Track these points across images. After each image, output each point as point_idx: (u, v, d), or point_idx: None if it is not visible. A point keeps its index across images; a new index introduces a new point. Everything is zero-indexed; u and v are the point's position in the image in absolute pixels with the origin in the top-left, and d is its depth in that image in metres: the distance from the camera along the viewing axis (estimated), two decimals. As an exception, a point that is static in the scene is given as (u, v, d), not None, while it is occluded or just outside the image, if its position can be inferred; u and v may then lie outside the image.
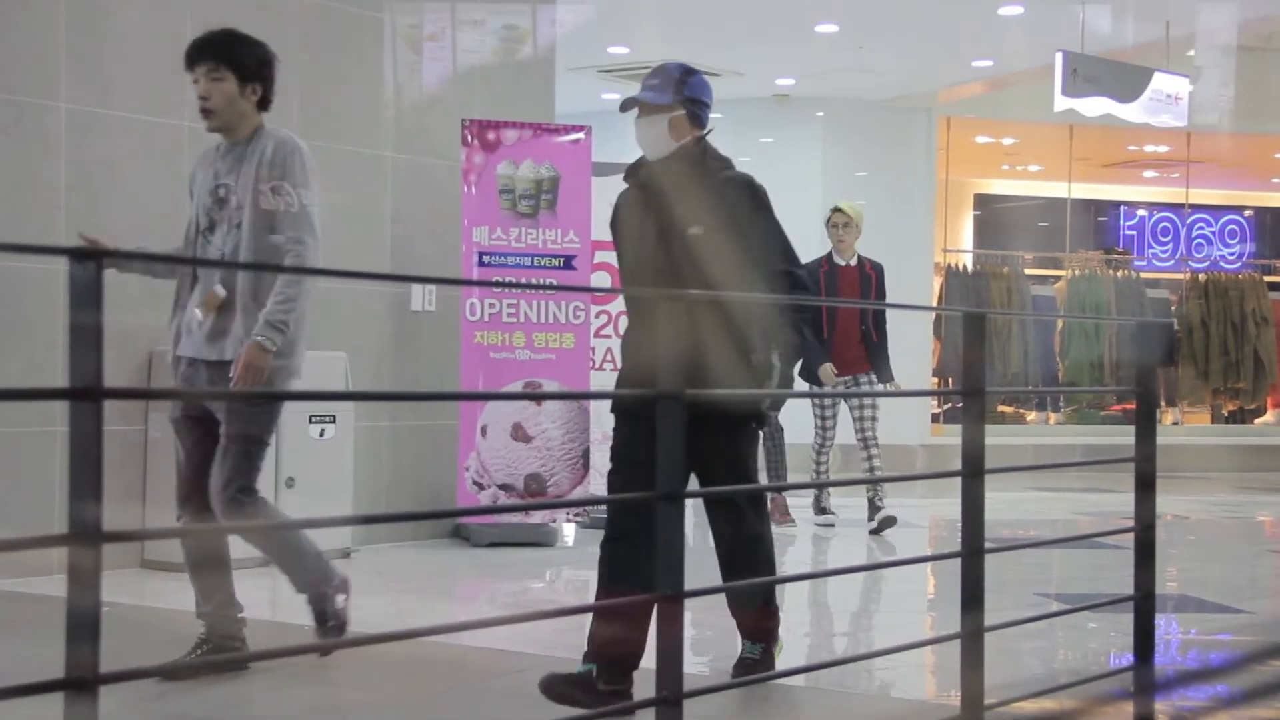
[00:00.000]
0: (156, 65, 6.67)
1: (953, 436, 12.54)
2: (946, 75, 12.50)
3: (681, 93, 4.23)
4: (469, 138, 7.60)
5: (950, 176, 14.27)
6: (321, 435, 6.83)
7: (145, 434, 6.48)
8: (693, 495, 2.47)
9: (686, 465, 3.69)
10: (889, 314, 8.53)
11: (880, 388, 8.24)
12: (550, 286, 7.53)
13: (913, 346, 12.79)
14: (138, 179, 6.59)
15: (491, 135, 7.63)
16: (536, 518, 7.61)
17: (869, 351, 8.24)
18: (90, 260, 1.49)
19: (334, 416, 6.86)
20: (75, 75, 6.35)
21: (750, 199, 4.11)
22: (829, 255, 8.35)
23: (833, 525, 8.54)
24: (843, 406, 8.85)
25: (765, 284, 4.08)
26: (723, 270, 3.94)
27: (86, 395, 1.51)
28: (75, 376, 1.52)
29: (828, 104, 13.13)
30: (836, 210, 8.38)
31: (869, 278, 8.34)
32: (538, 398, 2.90)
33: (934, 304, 13.72)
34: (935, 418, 13.85)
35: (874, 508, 8.39)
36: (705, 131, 4.27)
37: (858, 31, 10.91)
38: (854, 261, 8.36)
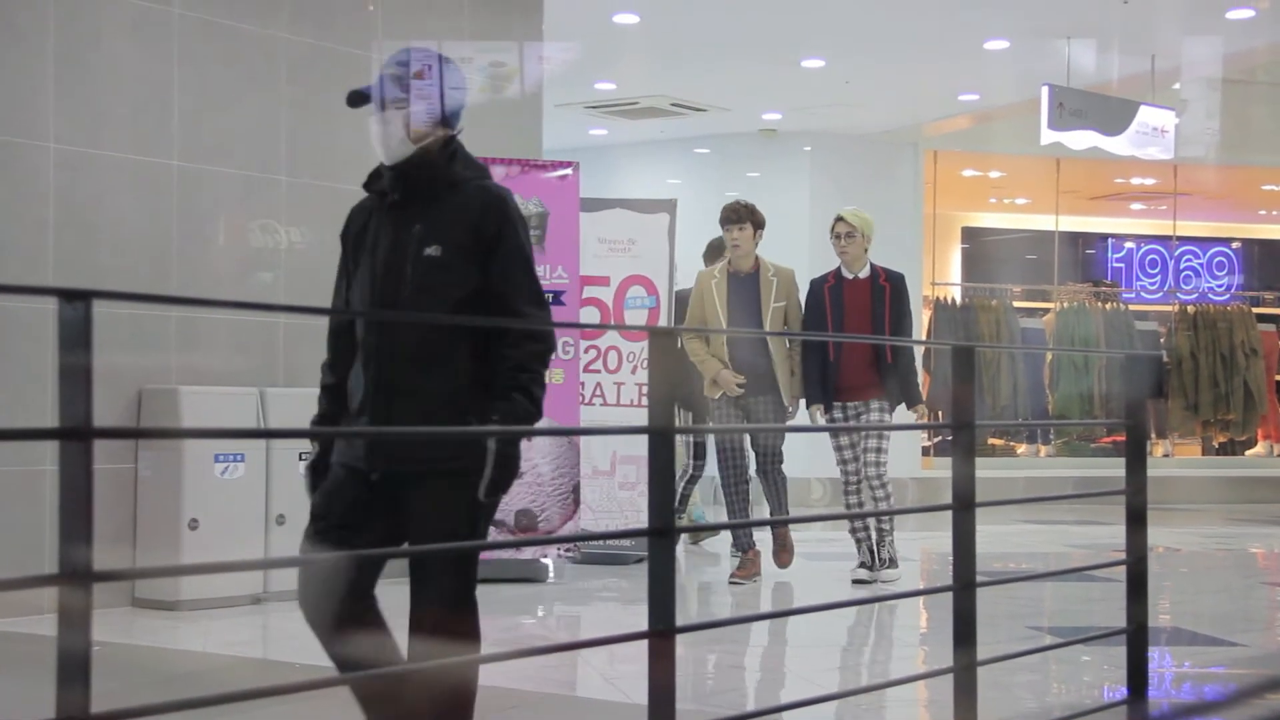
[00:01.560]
0: (145, 104, 6.69)
1: (943, 470, 12.52)
2: (933, 109, 12.56)
3: None
4: (458, 174, 7.61)
5: (938, 210, 14.32)
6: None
7: (135, 473, 6.47)
8: (687, 530, 2.47)
9: (384, 532, 3.31)
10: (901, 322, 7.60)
11: (884, 419, 7.48)
12: (538, 324, 7.53)
13: (902, 379, 12.79)
14: (127, 218, 6.60)
15: (480, 171, 7.65)
16: (527, 554, 7.58)
17: (882, 375, 7.42)
18: (79, 300, 1.50)
19: (323, 454, 6.85)
20: (64, 114, 6.36)
21: (500, 218, 3.36)
22: (838, 269, 7.58)
23: (891, 581, 7.71)
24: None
25: (502, 340, 3.33)
26: (457, 304, 3.29)
27: (76, 435, 1.51)
28: (65, 416, 1.52)
29: (815, 138, 13.18)
30: (838, 219, 7.62)
31: (881, 291, 7.51)
32: (527, 434, 2.90)
33: (923, 337, 13.74)
34: (925, 451, 13.85)
35: (872, 556, 7.67)
36: (454, 132, 3.59)
37: (845, 66, 10.98)
38: (864, 274, 7.55)
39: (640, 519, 8.09)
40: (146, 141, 6.67)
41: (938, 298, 14.22)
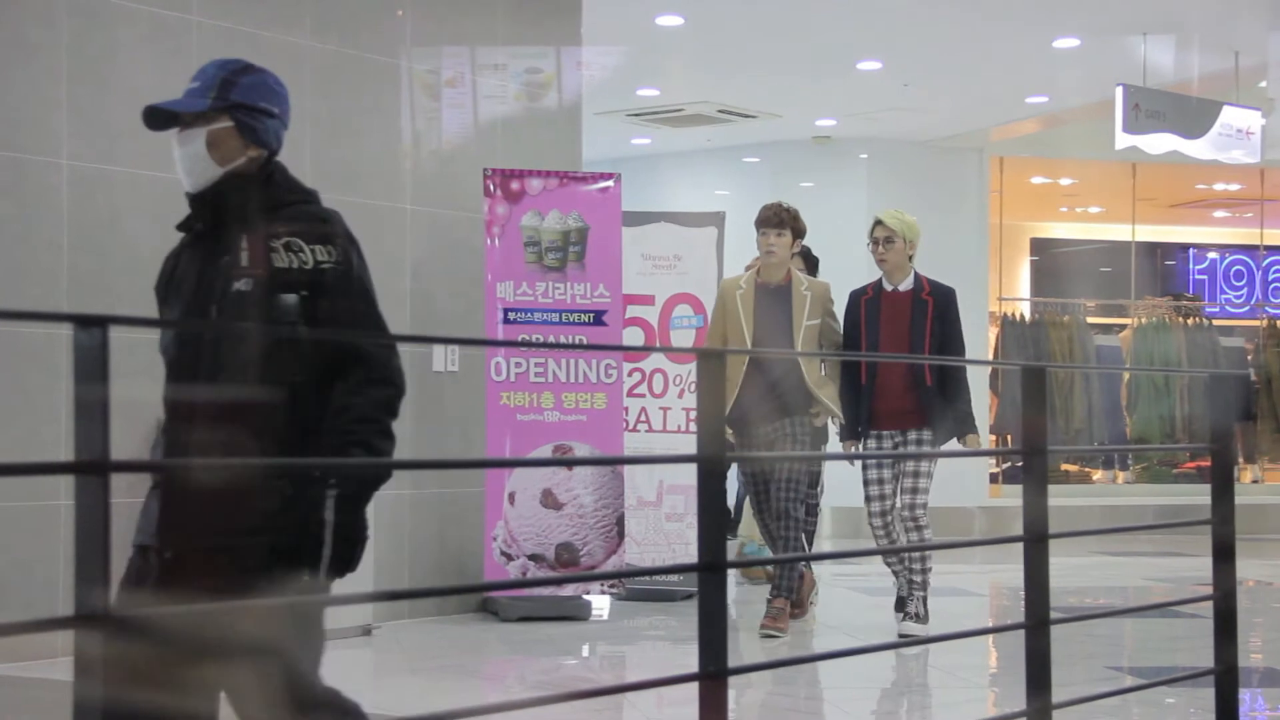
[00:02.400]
0: (163, 117, 6.75)
1: (1013, 498, 12.45)
2: (999, 113, 12.52)
3: (227, 96, 3.28)
4: (491, 188, 7.65)
5: (1005, 220, 14.26)
6: (339, 506, 6.84)
7: (152, 507, 6.50)
8: (739, 565, 2.47)
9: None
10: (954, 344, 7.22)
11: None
12: (580, 346, 7.54)
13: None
14: (143, 236, 6.65)
15: (515, 185, 7.68)
16: (568, 590, 7.59)
17: (923, 401, 6.93)
18: (95, 326, 1.51)
19: (352, 485, 6.87)
20: (77, 131, 6.43)
21: (336, 249, 3.15)
22: (878, 281, 7.16)
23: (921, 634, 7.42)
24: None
25: (340, 387, 3.09)
26: (271, 355, 3.02)
27: (93, 469, 1.52)
28: (81, 449, 1.54)
29: (872, 145, 13.16)
30: (876, 223, 7.16)
31: (924, 305, 7.04)
32: (569, 463, 2.90)
33: (989, 357, 13.68)
34: (994, 478, 13.76)
35: (901, 602, 7.20)
36: (270, 151, 3.32)
37: (903, 68, 10.96)
38: (906, 286, 7.08)
39: (689, 552, 8.08)
40: (165, 157, 6.69)
41: (1005, 314, 14.15)
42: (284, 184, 3.29)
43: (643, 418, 8.43)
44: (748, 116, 12.23)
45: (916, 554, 7.05)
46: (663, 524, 8.40)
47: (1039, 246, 15.66)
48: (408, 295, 7.61)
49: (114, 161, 6.55)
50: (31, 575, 6.16)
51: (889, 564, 7.39)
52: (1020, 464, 3.02)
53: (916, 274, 7.12)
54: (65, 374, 6.18)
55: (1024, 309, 14.45)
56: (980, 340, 13.32)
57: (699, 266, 8.53)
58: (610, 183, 7.87)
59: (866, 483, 6.98)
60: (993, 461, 13.84)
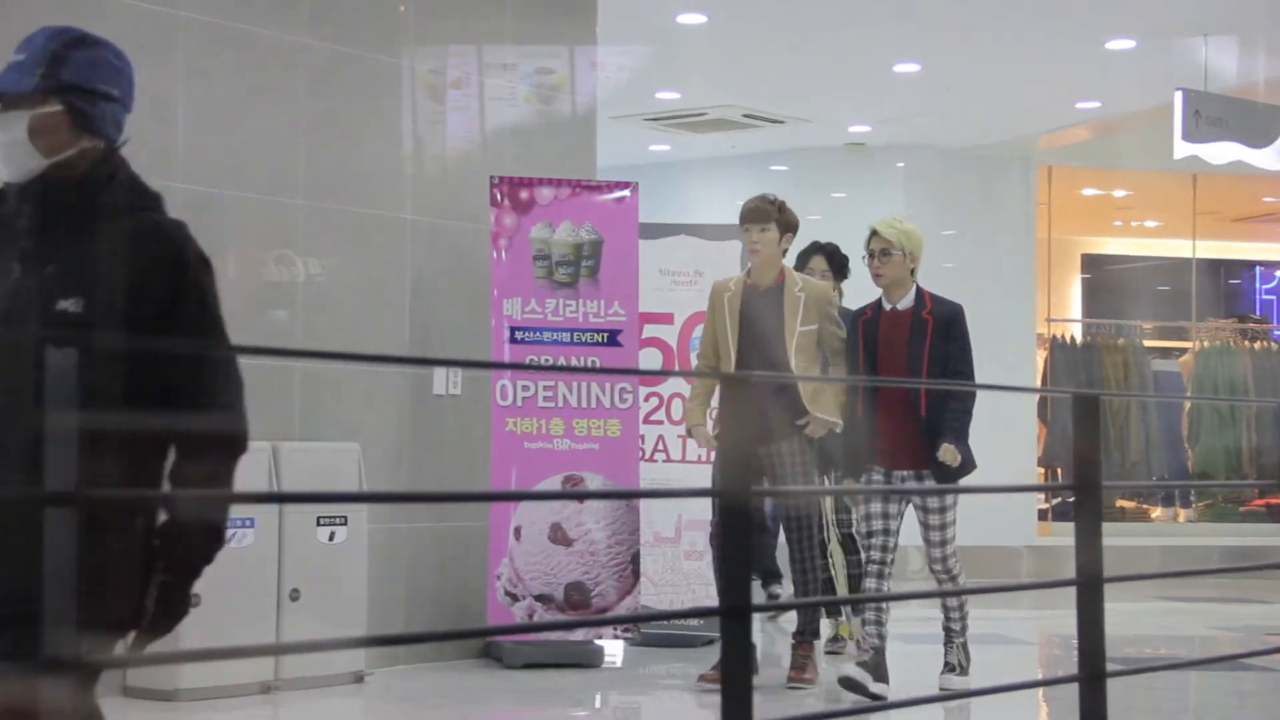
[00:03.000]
0: (146, 120, 6.76)
1: (1064, 537, 12.38)
2: (1047, 119, 12.51)
3: (57, 75, 2.88)
4: (499, 197, 7.66)
5: (1054, 235, 14.24)
6: (331, 539, 6.84)
7: (129, 540, 6.51)
8: (765, 609, 2.46)
9: None
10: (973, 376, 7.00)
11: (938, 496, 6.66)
12: (593, 370, 7.53)
13: (1014, 432, 12.69)
14: (122, 249, 6.67)
15: (524, 194, 7.69)
16: (579, 635, 7.57)
17: (924, 436, 6.64)
18: (69, 345, 1.50)
19: (344, 518, 6.88)
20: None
21: (174, 268, 2.82)
22: (878, 300, 6.88)
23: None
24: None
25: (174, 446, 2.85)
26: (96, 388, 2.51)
27: (65, 500, 1.52)
28: (53, 478, 1.53)
29: (909, 153, 13.16)
30: (872, 233, 6.87)
31: (924, 325, 6.73)
32: (580, 496, 2.89)
33: (1037, 384, 13.64)
34: (1043, 515, 13.72)
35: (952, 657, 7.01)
36: (109, 142, 2.98)
37: (943, 70, 10.96)
38: (906, 304, 6.78)
39: (710, 594, 8.06)
40: (147, 162, 6.72)
41: (1054, 336, 14.12)
42: (127, 184, 2.94)
43: (660, 446, 8.41)
44: (775, 122, 12.23)
45: (954, 599, 6.94)
46: (681, 562, 8.37)
47: (1091, 263, 15.63)
48: (407, 312, 7.61)
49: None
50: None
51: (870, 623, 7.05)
52: (1072, 500, 3.01)
53: (919, 290, 6.83)
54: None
55: (1075, 331, 14.41)
56: (1027, 365, 13.29)
57: (722, 283, 8.51)
58: (626, 192, 7.87)
59: (867, 517, 6.73)
60: (1042, 497, 13.79)
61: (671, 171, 13.67)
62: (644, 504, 7.88)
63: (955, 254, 13.10)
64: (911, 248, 6.81)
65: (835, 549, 7.82)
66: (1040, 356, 13.91)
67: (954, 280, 12.98)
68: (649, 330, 8.32)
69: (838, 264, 8.18)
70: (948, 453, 6.53)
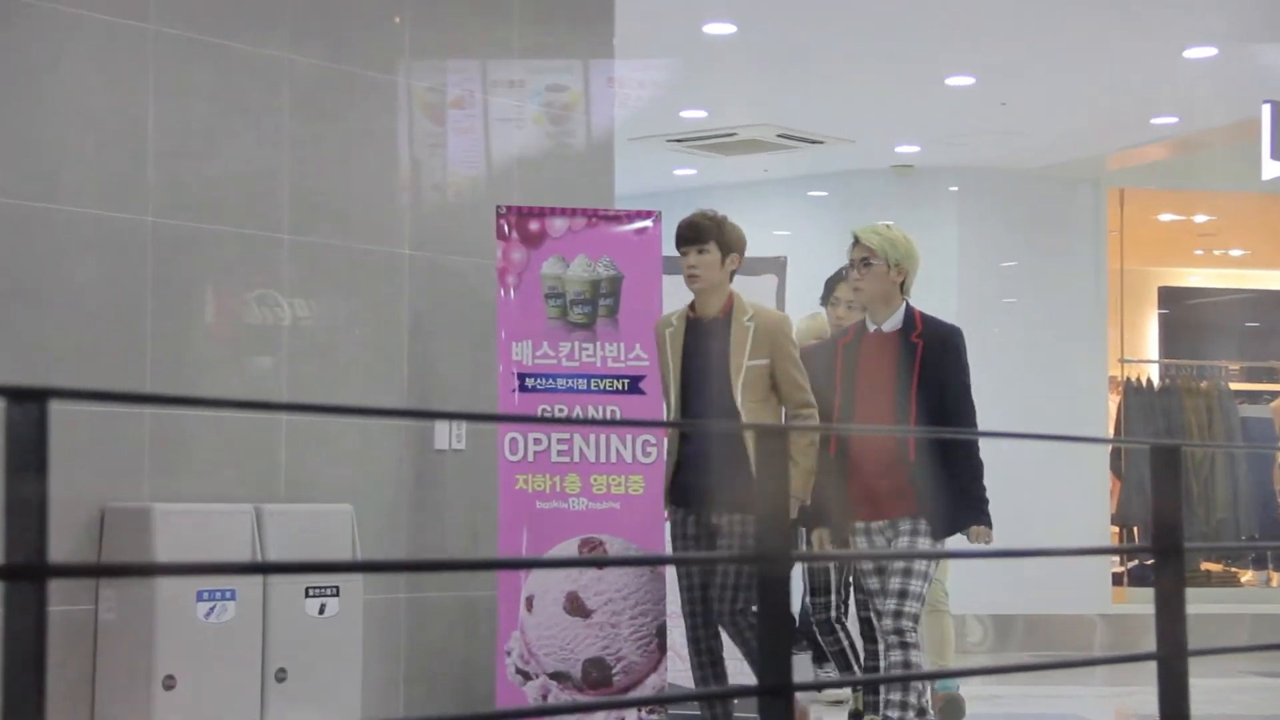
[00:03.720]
0: (112, 145, 6.81)
1: (1142, 604, 12.34)
2: (1118, 136, 12.52)
3: None
4: (506, 229, 7.67)
5: (1126, 265, 14.23)
6: (321, 612, 6.84)
7: (95, 615, 6.51)
8: (809, 687, 2.45)
9: None
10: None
11: (925, 544, 6.21)
12: (612, 422, 7.53)
13: (1084, 487, 12.65)
14: (89, 290, 6.69)
15: (535, 225, 7.71)
16: (599, 717, 7.54)
17: (911, 481, 6.25)
18: (32, 400, 1.51)
19: (336, 588, 6.87)
20: (9, 159, 6.49)
21: None
22: (863, 321, 6.55)
23: None
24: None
25: None
26: None
27: (28, 574, 1.52)
28: (12, 548, 1.53)
29: (963, 176, 13.17)
30: (854, 241, 6.51)
31: (912, 350, 6.29)
32: (599, 563, 2.89)
33: (1109, 433, 13.60)
34: (1117, 579, 13.66)
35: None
36: None
37: (1000, 84, 10.97)
38: (893, 325, 6.37)
39: (745, 670, 8.02)
40: (114, 192, 6.78)
41: (1128, 379, 14.09)
42: None
43: (688, 506, 8.39)
44: (813, 142, 12.25)
45: (899, 656, 6.20)
46: (713, 636, 8.34)
47: (1169, 297, 15.60)
48: (404, 358, 7.62)
49: (54, 198, 6.60)
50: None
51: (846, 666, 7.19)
52: (1150, 563, 3.00)
53: (910, 310, 6.40)
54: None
55: (1152, 373, 14.37)
56: (1098, 412, 13.26)
57: (756, 323, 8.51)
58: (648, 222, 7.88)
59: (811, 573, 6.60)
60: (1116, 560, 13.73)
61: (698, 199, 13.64)
62: (669, 569, 7.86)
63: (1016, 288, 13.10)
64: (898, 258, 6.39)
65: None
66: (1113, 402, 13.87)
67: (1015, 317, 13.00)
68: (674, 376, 8.31)
69: None
70: (980, 535, 6.20)
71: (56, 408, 1.58)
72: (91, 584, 6.47)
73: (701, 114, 11.64)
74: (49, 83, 6.62)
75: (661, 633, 7.62)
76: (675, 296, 8.25)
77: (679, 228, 6.88)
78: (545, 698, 7.43)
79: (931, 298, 11.48)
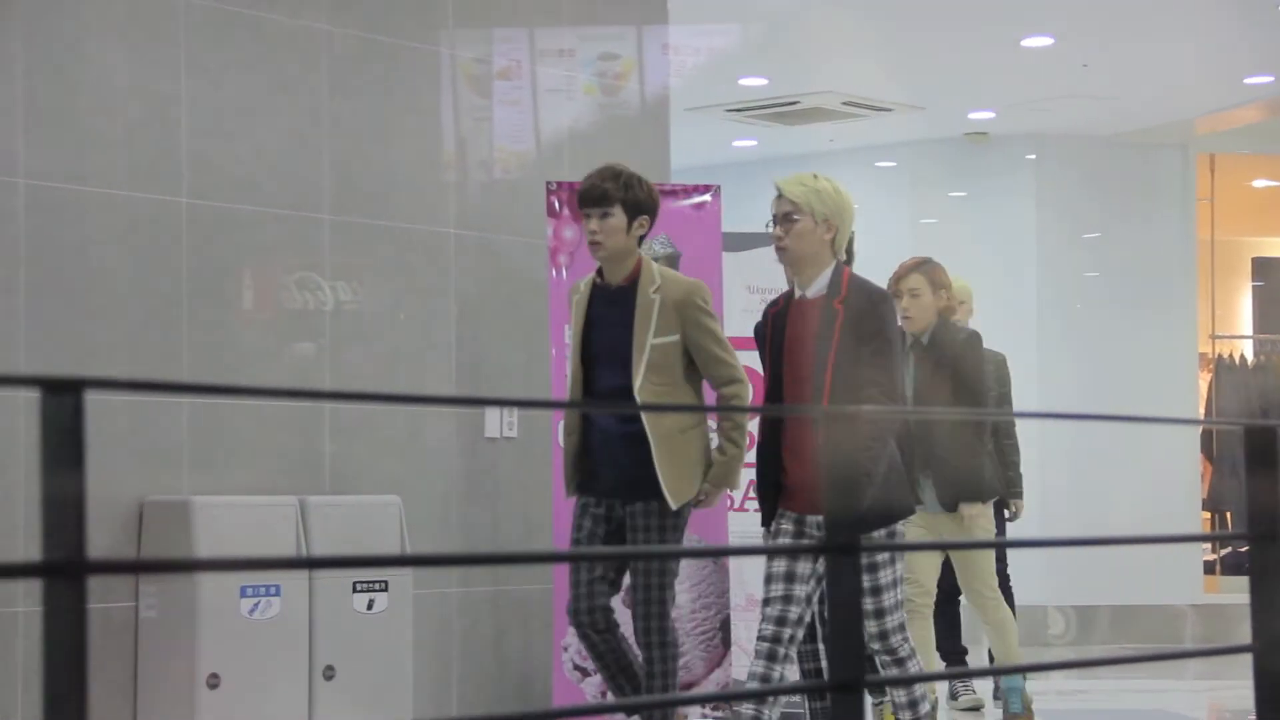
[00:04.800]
0: (144, 124, 6.85)
1: (1236, 593, 12.27)
2: (1208, 98, 12.41)
3: None
4: (557, 206, 7.68)
5: (1217, 235, 14.12)
6: (369, 608, 6.87)
7: (136, 613, 6.56)
8: (882, 683, 2.46)
9: None
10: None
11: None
12: (668, 407, 7.52)
13: (1173, 472, 12.57)
14: (119, 271, 6.73)
15: (588, 201, 7.71)
16: (659, 715, 7.55)
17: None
18: (68, 391, 1.53)
19: (385, 583, 6.90)
20: (37, 140, 6.53)
21: None
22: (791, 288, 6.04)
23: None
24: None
25: None
26: None
27: (65, 570, 1.54)
28: (50, 544, 1.56)
29: (1041, 143, 13.09)
30: (776, 196, 5.93)
31: (833, 318, 5.74)
32: (659, 555, 2.91)
33: (1200, 413, 13.52)
34: (1209, 568, 13.58)
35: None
36: None
37: (1081, 44, 10.90)
38: (818, 290, 5.80)
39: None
40: (146, 173, 6.82)
41: (1220, 356, 14.00)
42: None
43: (751, 494, 8.39)
44: (881, 110, 12.21)
45: (902, 695, 6.01)
46: (780, 631, 8.35)
47: (1264, 269, 15.47)
48: (453, 343, 7.64)
49: (84, 180, 6.64)
50: (-15, 702, 6.23)
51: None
52: (1245, 550, 2.99)
53: (840, 271, 5.84)
54: (24, 447, 6.27)
55: (1245, 349, 14.27)
56: (1188, 391, 13.17)
57: (822, 301, 8.50)
58: (707, 197, 7.88)
59: (766, 579, 5.89)
60: (1209, 548, 13.65)
61: (759, 171, 13.62)
62: (734, 562, 7.87)
63: (1099, 261, 13.03)
64: (827, 212, 5.78)
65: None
66: (1204, 380, 13.78)
67: (1098, 292, 12.93)
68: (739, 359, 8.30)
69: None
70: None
71: (92, 398, 1.60)
72: (131, 581, 6.52)
73: (762, 81, 11.61)
74: (76, 60, 6.66)
75: (725, 627, 7.63)
76: (737, 275, 8.26)
77: (580, 190, 6.37)
78: (604, 695, 7.45)
79: (1009, 272, 11.49)
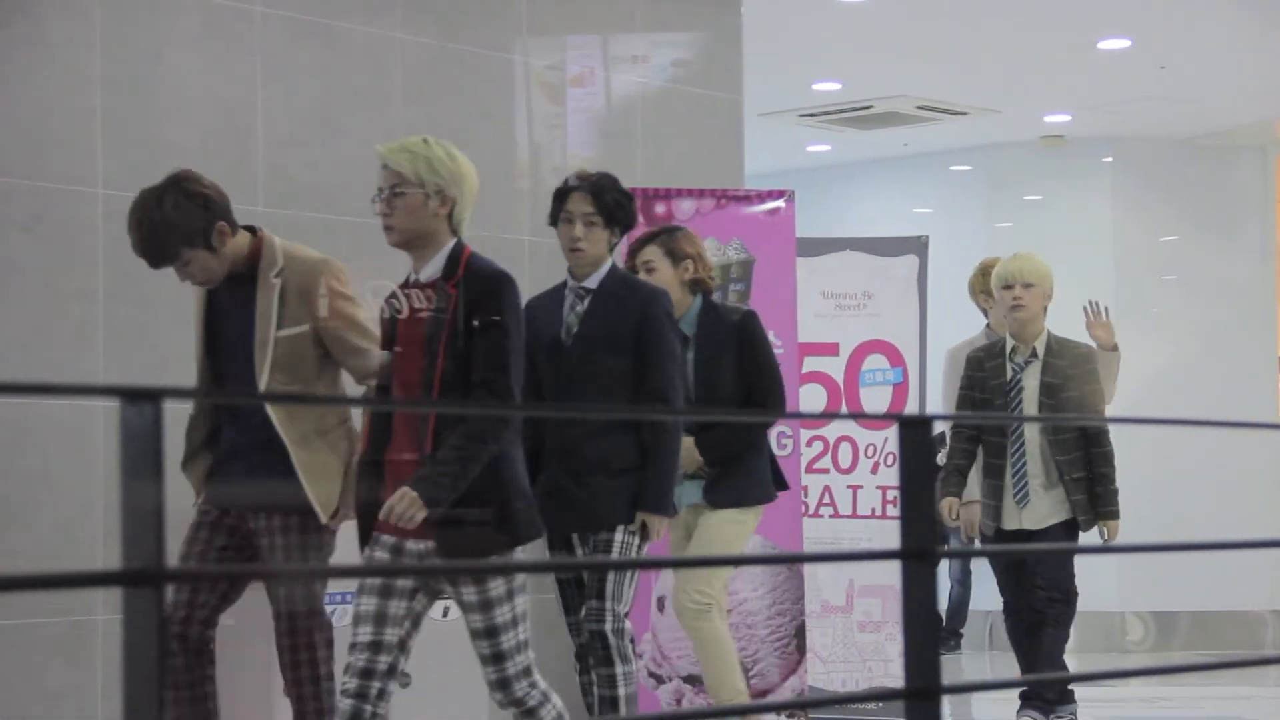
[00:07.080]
0: (220, 133, 6.90)
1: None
2: (1287, 99, 12.33)
3: None
4: (631, 211, 7.70)
5: (1297, 238, 14.00)
6: (445, 615, 6.89)
7: (212, 621, 6.61)
8: (955, 690, 2.45)
9: None
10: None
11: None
12: (743, 413, 7.53)
13: (1253, 477, 12.47)
14: (198, 283, 6.78)
15: (661, 207, 7.72)
16: (736, 725, 7.56)
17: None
18: (147, 400, 1.55)
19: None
20: (115, 151, 6.59)
21: None
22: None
23: None
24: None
25: None
26: None
27: (145, 578, 1.56)
28: (130, 553, 1.57)
29: (1118, 146, 13.02)
30: (381, 167, 5.27)
31: (446, 302, 5.16)
32: (733, 562, 2.91)
33: (1278, 417, 13.40)
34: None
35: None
36: None
37: (1158, 46, 10.84)
38: (431, 273, 5.17)
39: (890, 673, 8.00)
40: (222, 182, 6.85)
41: (1303, 362, 13.86)
42: None
43: (826, 499, 8.38)
44: (956, 114, 12.17)
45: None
46: (855, 635, 8.34)
47: (1344, 272, 15.32)
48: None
49: (161, 190, 6.70)
50: (60, 708, 6.27)
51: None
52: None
53: (459, 251, 5.20)
54: (103, 457, 6.32)
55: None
56: (1268, 396, 13.06)
57: (895, 306, 8.48)
58: (781, 202, 7.87)
59: (355, 620, 5.25)
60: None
61: (833, 176, 13.64)
62: (809, 568, 7.86)
63: (1177, 264, 12.94)
64: (440, 183, 5.12)
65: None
66: (1286, 385, 13.67)
67: (1176, 296, 12.85)
68: (810, 364, 8.30)
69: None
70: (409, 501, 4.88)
71: (170, 408, 1.62)
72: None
73: (835, 86, 11.59)
74: (153, 71, 6.72)
75: (800, 634, 7.62)
76: (811, 281, 8.25)
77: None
78: (679, 702, 7.45)
79: (1087, 277, 11.41)
